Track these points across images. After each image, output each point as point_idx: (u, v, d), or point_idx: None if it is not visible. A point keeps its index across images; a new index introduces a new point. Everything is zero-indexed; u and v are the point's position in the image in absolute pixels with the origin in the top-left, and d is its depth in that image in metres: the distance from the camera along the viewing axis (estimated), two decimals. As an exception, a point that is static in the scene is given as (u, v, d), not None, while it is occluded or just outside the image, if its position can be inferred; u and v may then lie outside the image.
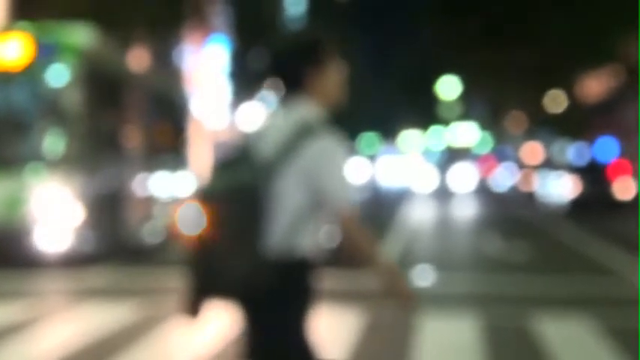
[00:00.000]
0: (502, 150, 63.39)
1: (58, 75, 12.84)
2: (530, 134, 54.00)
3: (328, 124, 3.56)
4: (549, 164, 37.81)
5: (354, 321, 8.50)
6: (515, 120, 55.92)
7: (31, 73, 12.83)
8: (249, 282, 3.37)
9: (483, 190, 47.93)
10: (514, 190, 43.56)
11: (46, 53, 12.83)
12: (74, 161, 12.80)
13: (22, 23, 14.92)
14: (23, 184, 12.59)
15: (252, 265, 3.36)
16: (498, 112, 58.85)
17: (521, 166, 45.85)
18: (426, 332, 7.93)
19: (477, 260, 14.54)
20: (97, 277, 11.90)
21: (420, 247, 16.61)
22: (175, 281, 10.76)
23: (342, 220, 3.44)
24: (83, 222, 12.86)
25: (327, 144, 3.47)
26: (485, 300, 10.06)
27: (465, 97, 73.31)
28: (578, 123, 41.87)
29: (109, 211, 13.90)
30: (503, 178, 49.84)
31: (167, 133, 17.96)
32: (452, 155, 66.17)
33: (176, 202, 17.42)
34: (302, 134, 3.47)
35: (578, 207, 27.73)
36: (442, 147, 77.81)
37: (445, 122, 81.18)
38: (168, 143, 17.86)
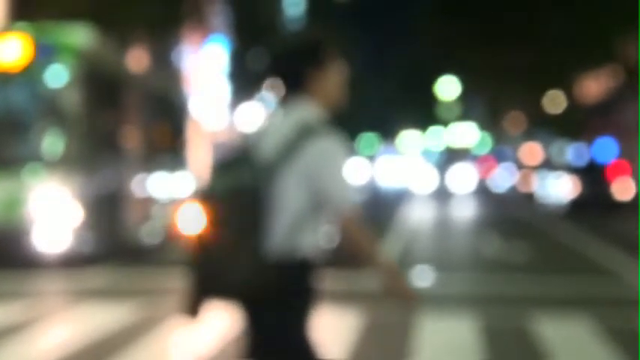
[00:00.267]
0: (501, 150, 63.42)
1: (57, 75, 12.83)
2: (529, 135, 54.03)
3: (329, 125, 3.56)
4: (548, 165, 37.86)
5: (354, 321, 8.50)
6: (515, 120, 55.96)
7: (30, 73, 12.82)
8: (250, 283, 3.37)
9: (482, 191, 47.94)
10: (513, 191, 43.58)
11: (44, 54, 12.82)
12: (73, 162, 12.79)
13: (21, 24, 14.92)
14: (22, 184, 12.58)
15: (254, 266, 3.36)
16: (497, 113, 58.89)
17: (521, 166, 45.90)
18: (425, 333, 7.93)
19: (476, 261, 14.54)
20: (96, 277, 11.90)
21: (420, 247, 16.61)
22: (174, 282, 10.76)
23: (343, 221, 3.44)
24: (82, 222, 12.86)
25: (327, 145, 3.47)
26: (485, 300, 10.06)
27: (464, 97, 73.38)
28: (577, 123, 41.89)
29: (108, 212, 13.89)
30: (503, 178, 49.86)
31: (166, 133, 17.96)
32: (451, 156, 66.15)
33: (175, 202, 17.41)
34: (303, 135, 3.47)
35: (577, 207, 27.75)
36: (441, 147, 77.80)
37: (444, 123, 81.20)
38: (167, 144, 17.86)
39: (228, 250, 3.36)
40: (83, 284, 11.21)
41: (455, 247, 17.03)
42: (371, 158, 69.58)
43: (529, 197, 35.67)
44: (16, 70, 12.83)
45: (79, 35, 13.28)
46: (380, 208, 28.99)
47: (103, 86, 13.81)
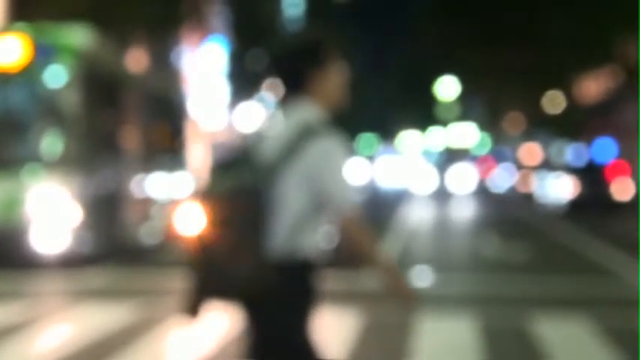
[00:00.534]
0: (500, 151, 63.44)
1: (56, 76, 12.83)
2: (528, 135, 54.05)
3: (329, 126, 3.56)
4: (548, 165, 37.86)
5: (353, 321, 8.50)
6: (514, 121, 55.98)
7: (29, 74, 12.81)
8: (251, 283, 3.37)
9: (482, 191, 47.94)
10: (512, 191, 43.58)
11: (43, 54, 12.82)
12: (72, 162, 12.79)
13: (20, 24, 14.93)
14: (21, 184, 12.58)
15: (255, 267, 3.35)
16: (497, 113, 58.91)
17: (520, 167, 45.91)
18: (425, 333, 7.93)
19: (475, 261, 14.54)
20: (95, 277, 11.89)
21: (419, 247, 16.61)
22: (174, 282, 10.76)
23: (344, 221, 3.44)
24: (81, 223, 12.85)
25: (328, 145, 3.46)
26: (484, 301, 10.06)
27: (463, 97, 73.38)
28: (576, 124, 41.90)
29: (107, 212, 13.89)
30: (502, 179, 49.87)
31: (165, 133, 17.96)
32: (450, 156, 66.16)
33: (174, 202, 17.41)
34: (303, 136, 3.47)
35: (576, 208, 27.75)
36: (441, 148, 77.82)
37: (444, 123, 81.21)
38: (166, 144, 17.86)
39: (229, 251, 3.36)
40: (82, 284, 11.21)
41: (454, 247, 17.02)
42: (370, 158, 69.55)
43: (528, 197, 35.68)
44: (15, 71, 12.83)
45: (78, 35, 13.27)
46: (379, 209, 28.98)
47: (102, 86, 13.81)
